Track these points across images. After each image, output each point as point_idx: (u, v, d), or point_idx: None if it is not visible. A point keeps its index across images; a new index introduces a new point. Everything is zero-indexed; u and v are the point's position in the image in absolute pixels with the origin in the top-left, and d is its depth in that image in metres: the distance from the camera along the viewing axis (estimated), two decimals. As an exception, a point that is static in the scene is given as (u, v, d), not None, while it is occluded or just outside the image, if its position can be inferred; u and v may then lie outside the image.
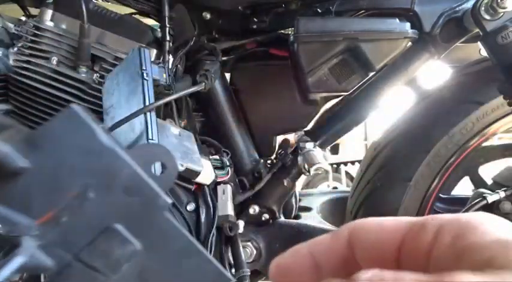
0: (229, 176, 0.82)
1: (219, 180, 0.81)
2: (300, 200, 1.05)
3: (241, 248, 0.80)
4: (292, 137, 0.94)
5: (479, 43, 0.78)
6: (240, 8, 0.84)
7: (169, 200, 0.25)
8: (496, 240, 0.16)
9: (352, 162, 3.14)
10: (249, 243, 0.86)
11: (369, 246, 0.19)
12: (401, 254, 0.19)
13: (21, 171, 0.22)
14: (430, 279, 0.15)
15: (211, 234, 0.77)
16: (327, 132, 0.89)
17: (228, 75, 0.94)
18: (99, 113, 0.71)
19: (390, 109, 1.05)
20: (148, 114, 0.63)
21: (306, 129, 0.91)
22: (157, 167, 0.26)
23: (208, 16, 0.85)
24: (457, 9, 0.79)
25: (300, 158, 0.85)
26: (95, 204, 0.23)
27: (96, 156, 0.23)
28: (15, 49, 0.75)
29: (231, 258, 0.80)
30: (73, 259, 0.23)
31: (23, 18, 0.80)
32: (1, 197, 0.22)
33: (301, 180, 2.83)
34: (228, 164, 0.83)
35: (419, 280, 0.15)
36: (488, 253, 0.16)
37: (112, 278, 0.24)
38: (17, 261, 0.20)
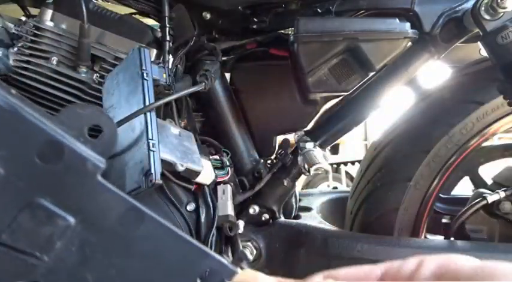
0: (229, 176, 0.82)
1: (219, 180, 0.81)
2: (300, 200, 1.05)
3: (241, 248, 0.80)
4: (292, 137, 0.94)
5: (479, 43, 0.78)
6: (240, 8, 0.84)
7: (103, 164, 0.21)
8: (477, 266, 0.19)
9: (352, 162, 3.15)
10: (249, 243, 0.86)
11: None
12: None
13: None
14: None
15: (211, 234, 0.77)
16: (327, 132, 0.89)
17: (228, 75, 0.94)
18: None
19: (390, 109, 1.05)
20: (148, 114, 0.63)
21: (306, 129, 0.91)
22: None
23: (208, 16, 0.85)
24: (457, 9, 0.79)
25: (300, 158, 0.85)
26: (7, 180, 0.19)
27: None
28: (15, 49, 0.75)
29: (231, 258, 0.80)
30: None
31: (23, 18, 0.80)
32: None
33: (301, 180, 2.83)
34: (228, 164, 0.83)
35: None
36: (470, 272, 0.19)
37: (45, 259, 0.20)
38: None
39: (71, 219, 0.21)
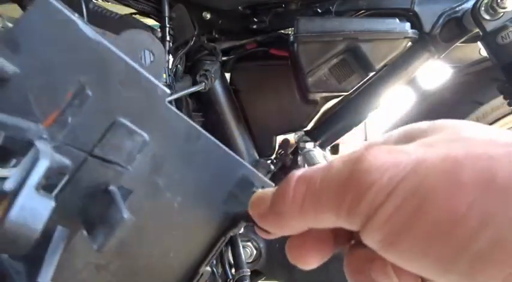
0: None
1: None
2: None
3: (241, 248, 0.80)
4: (292, 137, 0.94)
5: (479, 43, 0.78)
6: (240, 8, 0.84)
7: (168, 90, 0.26)
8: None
9: (352, 162, 3.14)
10: (249, 243, 0.86)
11: None
12: None
13: (11, 78, 0.21)
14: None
15: (211, 234, 0.77)
16: (327, 132, 0.89)
17: (228, 75, 0.94)
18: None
19: (390, 109, 1.05)
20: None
21: (306, 129, 0.91)
22: (146, 56, 0.26)
23: (208, 16, 0.85)
24: (457, 9, 0.79)
25: (300, 158, 0.85)
26: (95, 102, 0.23)
27: (84, 51, 0.22)
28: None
29: (231, 258, 0.80)
30: (88, 156, 0.24)
31: (23, 18, 0.80)
32: (1, 106, 0.21)
33: (301, 180, 2.82)
34: (228, 164, 0.83)
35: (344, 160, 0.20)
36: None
37: (129, 168, 0.25)
38: (42, 165, 0.19)
39: (146, 136, 0.25)
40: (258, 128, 0.93)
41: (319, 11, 0.82)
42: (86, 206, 0.24)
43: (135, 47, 0.25)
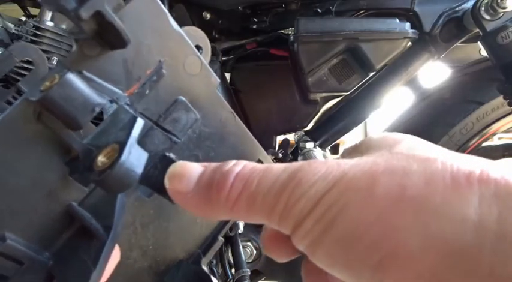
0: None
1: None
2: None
3: (241, 248, 0.80)
4: (292, 137, 0.94)
5: (479, 43, 0.78)
6: (240, 8, 0.84)
7: (218, 79, 0.31)
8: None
9: (352, 162, 3.14)
10: (249, 243, 0.86)
11: None
12: None
13: (124, 46, 0.25)
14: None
15: (211, 234, 0.77)
16: (327, 132, 0.89)
17: (228, 75, 0.94)
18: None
19: (390, 109, 1.05)
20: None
21: (306, 129, 0.91)
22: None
23: (208, 16, 0.85)
24: (457, 9, 0.79)
25: (300, 158, 0.85)
26: (167, 79, 0.28)
27: (168, 38, 0.27)
28: (15, 49, 0.75)
29: (231, 258, 0.80)
30: (154, 124, 0.28)
31: (23, 18, 0.80)
32: (98, 70, 0.25)
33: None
34: (228, 164, 0.83)
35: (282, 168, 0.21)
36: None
37: (181, 139, 0.29)
38: (140, 122, 0.24)
39: (198, 115, 0.30)
40: (258, 128, 0.93)
41: (319, 11, 0.82)
42: (145, 167, 0.27)
43: (191, 40, 0.29)
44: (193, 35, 0.31)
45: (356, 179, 0.20)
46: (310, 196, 0.20)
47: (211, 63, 0.84)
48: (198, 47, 0.31)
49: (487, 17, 0.72)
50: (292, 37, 0.78)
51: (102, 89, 0.25)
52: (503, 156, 1.19)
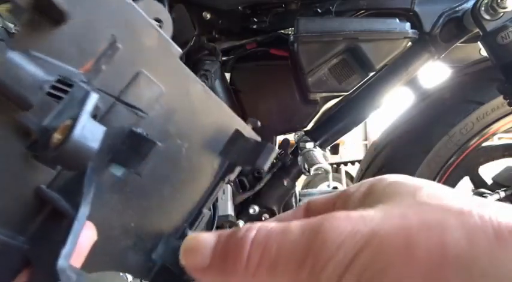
0: (229, 176, 0.82)
1: (219, 180, 0.81)
2: (300, 200, 1.05)
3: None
4: (292, 137, 0.94)
5: (479, 43, 0.78)
6: (240, 8, 0.84)
7: (180, 50, 0.30)
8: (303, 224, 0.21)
9: (352, 162, 3.14)
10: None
11: (317, 207, 0.27)
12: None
13: (65, 19, 0.24)
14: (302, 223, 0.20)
15: (211, 234, 0.77)
16: (327, 132, 0.89)
17: (228, 75, 0.94)
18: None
19: (390, 109, 1.05)
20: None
21: (306, 129, 0.91)
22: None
23: (208, 16, 0.85)
24: (457, 9, 0.79)
25: (300, 158, 0.85)
26: (124, 53, 0.27)
27: (118, 11, 0.27)
28: (15, 49, 0.75)
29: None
30: (116, 100, 0.28)
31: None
32: (47, 49, 0.24)
33: (301, 180, 2.83)
34: (228, 164, 0.83)
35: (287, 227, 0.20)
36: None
37: (147, 114, 0.29)
38: (93, 97, 0.24)
39: (163, 88, 0.29)
40: (258, 128, 0.93)
41: (319, 11, 0.82)
42: (113, 144, 0.28)
43: (149, 13, 0.29)
44: (152, 9, 0.30)
45: (390, 239, 0.18)
46: (339, 260, 0.18)
47: (211, 63, 0.84)
48: (158, 20, 0.31)
49: (487, 17, 0.72)
50: (292, 37, 0.78)
51: (53, 67, 0.24)
52: (503, 156, 1.19)
